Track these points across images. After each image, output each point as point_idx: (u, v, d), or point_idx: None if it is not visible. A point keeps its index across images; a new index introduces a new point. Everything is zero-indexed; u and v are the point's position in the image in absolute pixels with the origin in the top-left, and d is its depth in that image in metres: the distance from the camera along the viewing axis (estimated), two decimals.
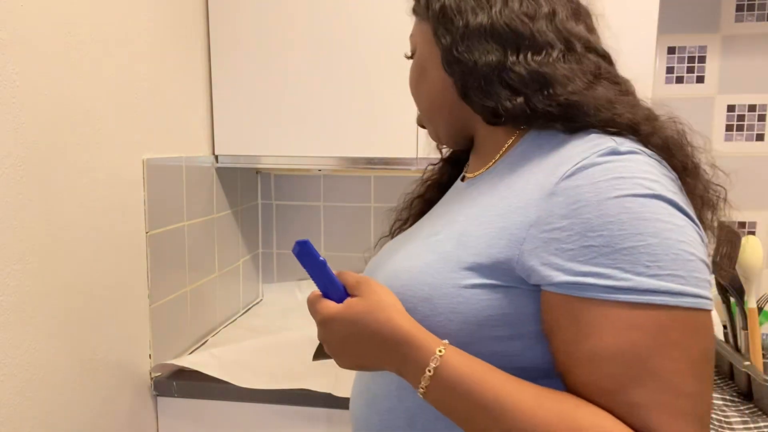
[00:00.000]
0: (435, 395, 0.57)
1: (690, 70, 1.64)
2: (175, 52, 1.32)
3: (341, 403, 1.18)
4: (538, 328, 0.59)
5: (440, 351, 0.57)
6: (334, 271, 0.64)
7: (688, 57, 1.63)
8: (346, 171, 1.75)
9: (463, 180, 0.79)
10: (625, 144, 0.58)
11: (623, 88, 0.66)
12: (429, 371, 0.56)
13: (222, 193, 1.57)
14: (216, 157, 1.51)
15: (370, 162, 1.44)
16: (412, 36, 0.78)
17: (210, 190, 1.50)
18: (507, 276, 0.59)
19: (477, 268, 0.60)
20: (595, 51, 0.66)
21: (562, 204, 0.56)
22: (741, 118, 1.64)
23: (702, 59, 1.63)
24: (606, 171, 0.55)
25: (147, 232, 1.21)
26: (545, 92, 0.62)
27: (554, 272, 0.55)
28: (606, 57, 0.67)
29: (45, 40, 0.93)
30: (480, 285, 0.59)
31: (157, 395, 1.25)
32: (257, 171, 1.81)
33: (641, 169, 0.56)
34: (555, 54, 0.64)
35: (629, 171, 0.55)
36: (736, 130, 1.64)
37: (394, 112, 1.40)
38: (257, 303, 1.82)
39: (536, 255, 0.56)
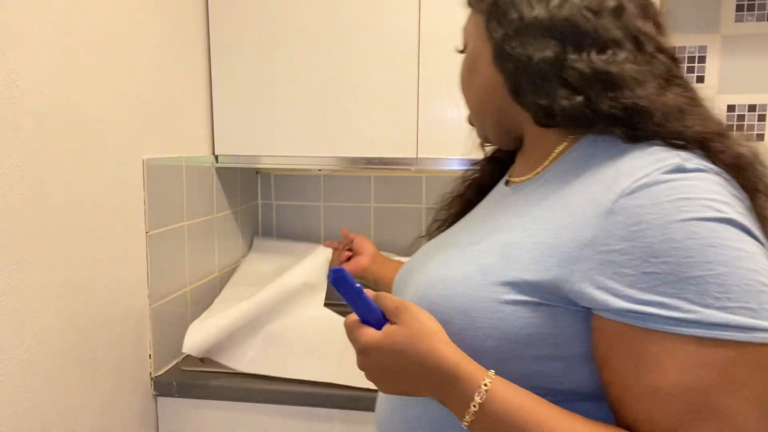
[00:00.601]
0: (480, 429, 0.54)
1: (690, 70, 1.64)
2: (175, 52, 1.32)
3: (341, 402, 1.18)
4: (583, 350, 0.56)
5: (486, 384, 0.54)
6: (372, 294, 0.62)
7: (688, 57, 1.63)
8: (346, 171, 1.75)
9: (507, 184, 0.74)
10: (691, 160, 0.54)
11: (694, 96, 0.61)
12: (474, 406, 0.54)
13: (222, 193, 1.57)
14: (216, 157, 1.51)
15: (370, 162, 1.44)
16: (464, 29, 0.75)
17: (210, 190, 1.50)
18: (553, 295, 0.55)
19: (520, 284, 0.57)
20: (666, 53, 0.61)
21: (621, 224, 0.52)
22: (741, 118, 1.64)
23: (702, 59, 1.63)
24: (671, 191, 0.51)
25: (147, 232, 1.21)
26: (610, 93, 0.57)
27: (611, 298, 0.51)
28: (676, 60, 0.62)
29: (45, 40, 0.93)
30: (522, 302, 0.56)
31: (157, 395, 1.25)
32: (257, 171, 1.81)
33: (709, 189, 0.52)
34: (623, 53, 0.59)
35: (696, 191, 0.51)
36: (736, 130, 1.64)
37: (394, 112, 1.40)
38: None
39: (590, 278, 0.53)
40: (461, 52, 0.75)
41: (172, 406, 1.26)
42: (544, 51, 0.60)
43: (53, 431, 0.96)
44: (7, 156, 0.85)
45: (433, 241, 0.80)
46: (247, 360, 1.27)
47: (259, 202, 1.83)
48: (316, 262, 1.44)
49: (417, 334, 0.57)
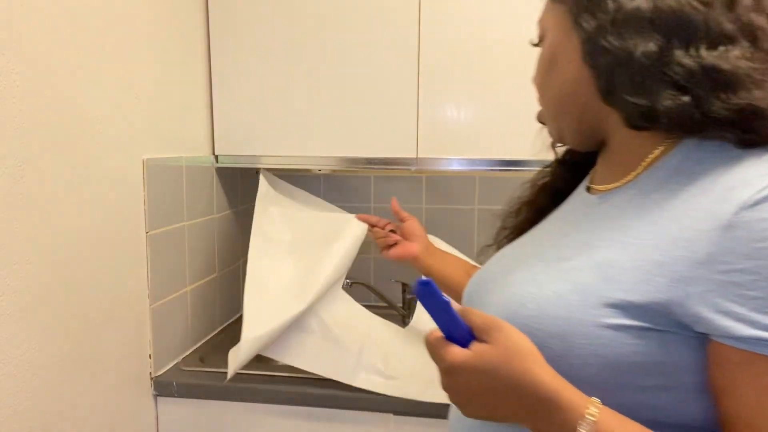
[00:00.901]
0: None
1: None
2: (175, 52, 1.32)
3: (342, 402, 1.18)
4: (696, 379, 0.51)
5: (592, 415, 0.49)
6: (458, 308, 0.56)
7: None
8: (346, 171, 1.75)
9: (589, 191, 0.68)
10: None
11: None
12: (591, 415, 0.48)
13: (222, 193, 1.57)
14: (216, 157, 1.51)
15: (370, 162, 1.44)
16: (541, 20, 0.68)
17: (210, 190, 1.50)
18: (663, 319, 0.50)
19: (625, 307, 0.51)
20: None
21: (744, 240, 0.47)
22: None
23: None
24: None
25: (147, 232, 1.21)
26: (721, 94, 0.52)
27: (734, 323, 0.47)
28: None
29: (45, 40, 0.92)
30: (627, 326, 0.51)
31: (157, 395, 1.25)
32: (257, 171, 1.80)
33: None
34: (736, 50, 0.53)
35: None
36: None
37: (394, 112, 1.40)
38: None
39: (707, 300, 0.48)
40: (536, 45, 0.70)
41: (172, 406, 1.26)
42: (647, 45, 0.54)
43: (53, 431, 0.96)
44: (7, 156, 0.85)
45: (507, 251, 0.73)
46: (305, 356, 1.20)
47: None
48: (349, 245, 1.26)
49: (511, 354, 0.51)
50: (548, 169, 0.80)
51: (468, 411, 0.55)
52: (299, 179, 1.79)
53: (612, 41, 0.56)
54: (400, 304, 1.68)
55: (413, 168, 1.42)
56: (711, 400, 0.51)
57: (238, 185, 1.67)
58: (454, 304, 0.55)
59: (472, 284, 0.73)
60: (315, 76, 1.42)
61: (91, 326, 1.05)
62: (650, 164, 0.59)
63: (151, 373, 1.24)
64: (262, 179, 1.40)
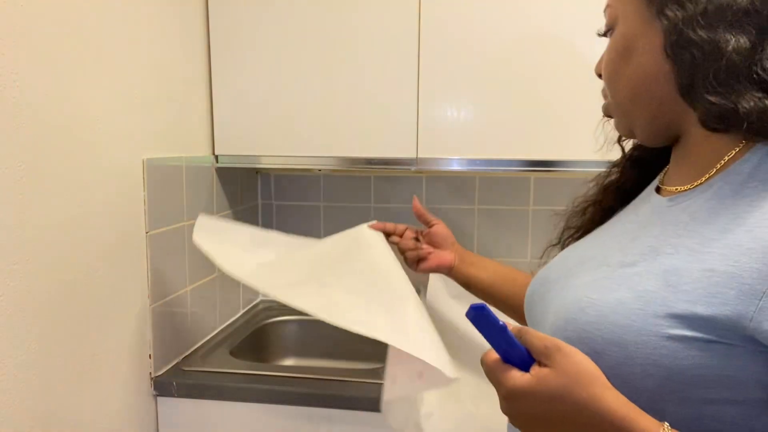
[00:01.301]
0: None
1: None
2: (175, 52, 1.32)
3: (341, 403, 1.18)
4: (766, 395, 0.49)
5: None
6: (515, 328, 0.53)
7: None
8: (346, 171, 1.75)
9: (658, 191, 0.65)
10: None
11: None
12: None
13: (222, 193, 1.57)
14: (216, 157, 1.51)
15: (370, 162, 1.44)
16: (610, 7, 0.63)
17: (210, 190, 1.50)
18: (731, 333, 0.48)
19: (690, 318, 0.49)
20: None
21: None
22: None
23: None
24: None
25: (147, 232, 1.21)
26: None
27: None
28: None
29: (45, 40, 0.92)
30: (690, 338, 0.49)
31: (157, 395, 1.25)
32: (257, 171, 1.81)
33: None
34: None
35: None
36: None
37: (394, 112, 1.40)
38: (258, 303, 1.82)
39: None
40: (605, 34, 0.65)
41: (172, 406, 1.26)
42: (740, 39, 0.50)
43: (53, 431, 0.96)
44: (7, 156, 0.85)
45: (571, 252, 0.71)
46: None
47: (259, 202, 1.83)
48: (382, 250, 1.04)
49: (575, 380, 0.49)
50: (615, 168, 0.76)
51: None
52: (299, 179, 1.80)
53: (701, 34, 0.52)
54: None
55: (413, 168, 1.42)
56: None
57: (238, 185, 1.67)
58: (510, 323, 0.53)
59: (534, 285, 0.71)
60: (315, 76, 1.42)
61: (91, 326, 1.05)
62: (724, 167, 0.56)
63: (151, 373, 1.24)
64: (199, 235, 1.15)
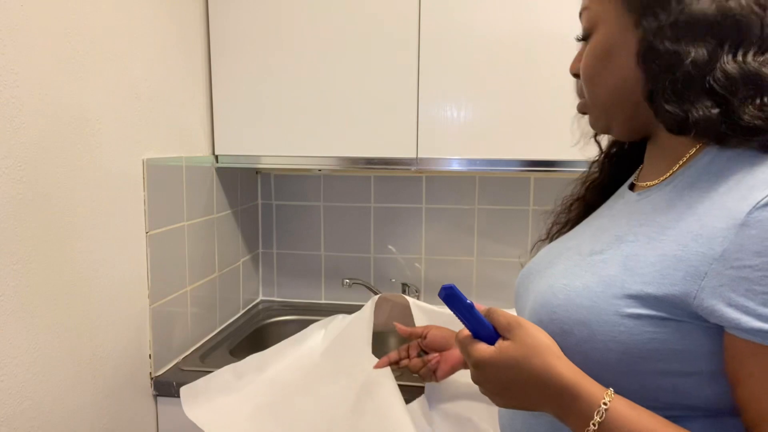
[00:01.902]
0: (611, 423, 0.52)
1: None
2: (175, 52, 1.32)
3: None
4: (713, 367, 0.54)
5: (605, 403, 0.52)
6: (484, 309, 0.61)
7: None
8: (346, 171, 1.75)
9: (632, 188, 0.70)
10: None
11: None
12: (594, 425, 0.52)
13: (222, 193, 1.57)
14: (216, 157, 1.51)
15: (370, 162, 1.44)
16: (586, 10, 0.66)
17: (210, 190, 1.50)
18: (679, 310, 0.53)
19: (644, 298, 0.54)
20: None
21: (755, 238, 0.49)
22: None
23: None
24: None
25: (147, 232, 1.21)
26: (758, 100, 0.53)
27: (743, 316, 0.49)
28: None
29: (45, 40, 0.92)
30: (645, 316, 0.54)
31: (157, 395, 1.25)
32: (257, 171, 1.81)
33: None
34: None
35: None
36: None
37: (394, 112, 1.40)
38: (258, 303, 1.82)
39: (720, 294, 0.50)
40: (582, 39, 0.67)
41: (172, 406, 1.26)
42: (698, 51, 0.55)
43: (53, 431, 0.96)
44: (7, 156, 0.85)
45: (554, 245, 0.76)
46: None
47: (259, 202, 1.83)
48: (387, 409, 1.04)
49: (531, 350, 0.56)
50: (596, 167, 0.81)
51: (498, 401, 0.60)
52: (299, 179, 1.80)
53: (667, 45, 0.56)
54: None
55: (413, 168, 1.42)
56: (727, 385, 0.54)
57: (238, 185, 1.67)
58: (479, 306, 0.60)
59: (521, 277, 0.77)
60: (315, 76, 1.42)
61: (91, 326, 1.05)
62: (685, 164, 0.61)
63: (151, 373, 1.24)
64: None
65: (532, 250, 0.84)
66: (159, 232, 1.25)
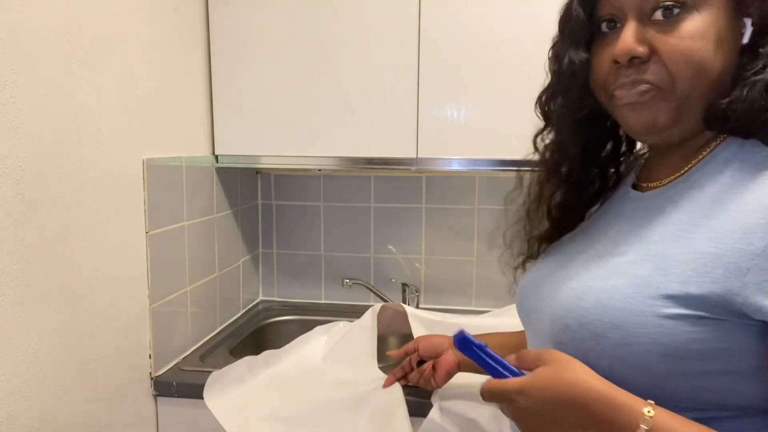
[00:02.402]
0: None
1: None
2: (175, 52, 1.32)
3: None
4: (755, 364, 0.53)
5: (649, 412, 0.51)
6: (511, 359, 0.61)
7: None
8: (346, 171, 1.75)
9: (637, 188, 0.69)
10: None
11: None
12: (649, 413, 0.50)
13: (222, 193, 1.57)
14: (216, 157, 1.51)
15: (370, 162, 1.44)
16: None
17: (210, 190, 1.50)
18: (720, 309, 0.52)
19: (682, 298, 0.53)
20: None
21: None
22: None
23: None
24: None
25: (147, 232, 1.21)
26: None
27: None
28: None
29: (45, 40, 0.92)
30: (685, 315, 0.53)
31: (157, 395, 1.25)
32: (257, 171, 1.81)
33: None
34: None
35: None
36: None
37: (394, 112, 1.40)
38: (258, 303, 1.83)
39: (765, 290, 0.50)
40: (669, 9, 0.58)
41: (172, 406, 1.26)
42: None
43: (53, 431, 0.96)
44: (7, 156, 0.85)
45: (557, 249, 0.74)
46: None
47: (259, 202, 1.83)
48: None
49: (561, 368, 0.55)
50: (547, 184, 0.78)
51: (535, 429, 0.58)
52: (299, 179, 1.80)
53: None
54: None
55: (413, 168, 1.42)
56: (766, 382, 0.53)
57: (238, 185, 1.67)
58: (509, 358, 0.61)
59: (525, 281, 0.74)
60: (315, 76, 1.42)
61: (91, 326, 1.05)
62: (703, 159, 0.61)
63: (151, 373, 1.24)
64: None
65: (517, 268, 0.82)
66: (159, 232, 1.25)
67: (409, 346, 1.11)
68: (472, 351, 0.61)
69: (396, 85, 1.39)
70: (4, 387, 0.87)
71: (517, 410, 0.57)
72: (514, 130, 1.36)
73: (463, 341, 0.61)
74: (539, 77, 1.33)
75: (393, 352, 1.13)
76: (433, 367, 1.06)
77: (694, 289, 0.53)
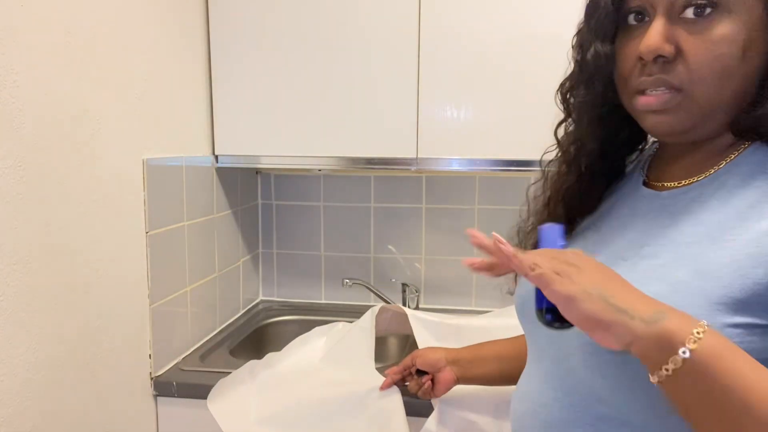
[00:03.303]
0: (703, 357, 0.45)
1: None
2: (175, 52, 1.32)
3: None
4: None
5: (701, 326, 0.47)
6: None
7: None
8: (346, 171, 1.75)
9: (648, 186, 0.67)
10: None
11: None
12: (698, 333, 0.45)
13: (222, 193, 1.57)
14: (216, 157, 1.51)
15: (370, 162, 1.44)
16: None
17: (210, 190, 1.50)
18: (766, 311, 0.50)
19: (729, 304, 0.51)
20: None
21: None
22: None
23: None
24: None
25: (147, 232, 1.21)
26: None
27: None
28: None
29: (45, 40, 0.92)
30: (734, 325, 0.50)
31: (157, 395, 1.25)
32: (257, 171, 1.81)
33: None
34: None
35: None
36: None
37: (394, 112, 1.40)
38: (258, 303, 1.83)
39: None
40: (705, 8, 0.56)
41: (172, 406, 1.26)
42: None
43: (53, 431, 0.96)
44: (7, 156, 0.85)
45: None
46: None
47: (259, 202, 1.83)
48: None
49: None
50: (570, 176, 0.73)
51: (583, 281, 0.51)
52: (299, 179, 1.80)
53: None
54: (400, 304, 1.68)
55: (413, 168, 1.42)
56: None
57: (238, 185, 1.67)
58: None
59: (530, 287, 0.70)
60: (315, 76, 1.42)
61: (91, 326, 1.05)
62: (730, 161, 0.59)
63: (151, 373, 1.24)
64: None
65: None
66: (159, 232, 1.25)
67: (407, 361, 1.10)
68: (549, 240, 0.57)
69: (396, 85, 1.39)
70: (5, 387, 0.87)
71: (567, 257, 0.53)
72: (515, 130, 1.37)
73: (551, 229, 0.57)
74: (540, 77, 1.34)
75: (390, 371, 1.12)
76: (432, 380, 1.06)
77: (737, 292, 0.51)
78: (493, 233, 0.56)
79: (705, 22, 0.56)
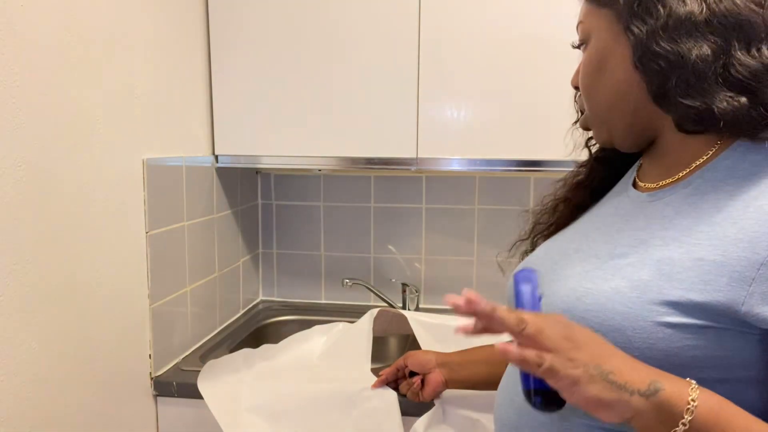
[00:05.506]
0: (700, 423, 0.49)
1: None
2: (175, 52, 1.32)
3: None
4: (754, 373, 0.53)
5: (693, 388, 0.50)
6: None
7: None
8: (346, 171, 1.76)
9: (635, 187, 0.69)
10: None
11: None
12: (693, 401, 0.49)
13: (222, 193, 1.57)
14: (216, 157, 1.51)
15: (370, 162, 1.44)
16: (582, 23, 0.68)
17: (210, 190, 1.50)
18: (723, 317, 0.52)
19: (684, 305, 0.53)
20: None
21: None
22: None
23: None
24: None
25: (147, 232, 1.21)
26: None
27: None
28: None
29: (45, 39, 0.92)
30: (685, 324, 0.53)
31: (157, 395, 1.25)
32: (257, 171, 1.81)
33: None
34: None
35: None
36: None
37: (394, 112, 1.40)
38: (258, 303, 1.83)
39: None
40: (578, 47, 0.69)
41: (172, 406, 1.26)
42: (701, 48, 0.55)
43: (53, 431, 0.96)
44: (7, 156, 0.85)
45: (552, 244, 0.74)
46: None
47: (259, 202, 1.83)
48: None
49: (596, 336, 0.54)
50: (583, 168, 0.80)
51: (577, 353, 0.51)
52: (299, 179, 1.80)
53: (664, 45, 0.57)
54: (400, 304, 1.68)
55: (413, 168, 1.42)
56: (765, 391, 0.53)
57: (238, 185, 1.67)
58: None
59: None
60: (315, 76, 1.42)
61: (91, 326, 1.05)
62: (703, 165, 0.60)
63: (151, 373, 1.24)
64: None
65: (511, 249, 0.83)
66: (159, 232, 1.25)
67: (399, 362, 1.13)
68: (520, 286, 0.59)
69: (396, 85, 1.39)
70: (4, 387, 0.87)
71: (552, 324, 0.53)
72: (515, 130, 1.37)
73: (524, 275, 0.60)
74: (539, 77, 1.34)
75: (383, 372, 1.14)
76: (422, 382, 1.09)
77: (696, 296, 0.52)
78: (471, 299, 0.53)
79: (584, 55, 0.68)
